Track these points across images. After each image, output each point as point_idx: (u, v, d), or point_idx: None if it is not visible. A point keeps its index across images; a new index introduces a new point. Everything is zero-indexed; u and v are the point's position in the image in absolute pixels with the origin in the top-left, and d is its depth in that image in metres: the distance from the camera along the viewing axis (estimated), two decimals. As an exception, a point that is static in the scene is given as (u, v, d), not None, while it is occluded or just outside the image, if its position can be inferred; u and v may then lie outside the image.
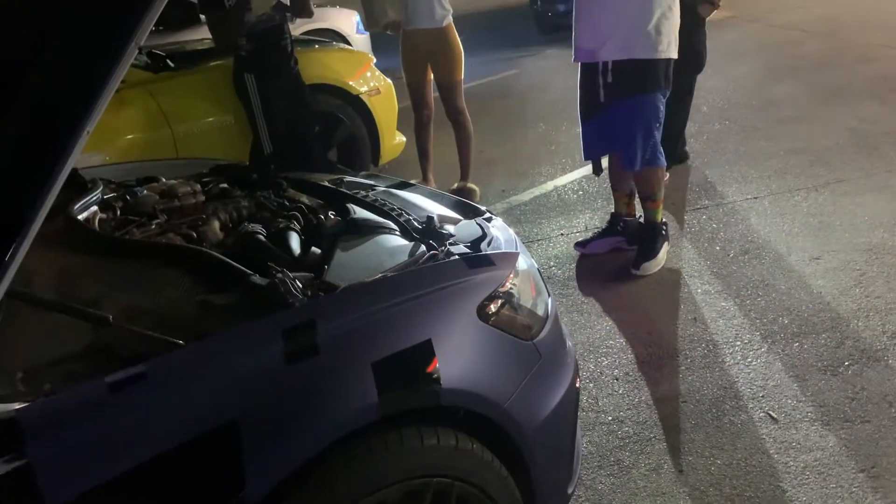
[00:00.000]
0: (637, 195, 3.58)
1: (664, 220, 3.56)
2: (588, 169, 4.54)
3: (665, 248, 3.50)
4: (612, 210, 3.76)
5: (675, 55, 3.25)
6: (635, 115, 3.26)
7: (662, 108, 3.29)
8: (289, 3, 3.93)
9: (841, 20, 7.96)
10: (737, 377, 2.66)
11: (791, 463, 2.25)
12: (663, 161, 3.39)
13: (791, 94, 5.76)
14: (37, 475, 1.13)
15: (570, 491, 1.83)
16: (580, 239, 3.79)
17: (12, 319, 1.37)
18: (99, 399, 1.19)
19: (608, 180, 3.79)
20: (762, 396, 2.55)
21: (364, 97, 4.50)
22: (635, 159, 3.33)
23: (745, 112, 5.51)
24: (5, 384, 1.24)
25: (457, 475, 1.48)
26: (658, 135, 3.32)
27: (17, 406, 1.15)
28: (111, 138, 3.66)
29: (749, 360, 2.76)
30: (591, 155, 3.68)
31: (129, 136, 3.79)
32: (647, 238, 3.48)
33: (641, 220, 3.60)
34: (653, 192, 3.45)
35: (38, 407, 1.17)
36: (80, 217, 1.89)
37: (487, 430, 1.56)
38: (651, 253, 3.43)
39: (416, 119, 4.53)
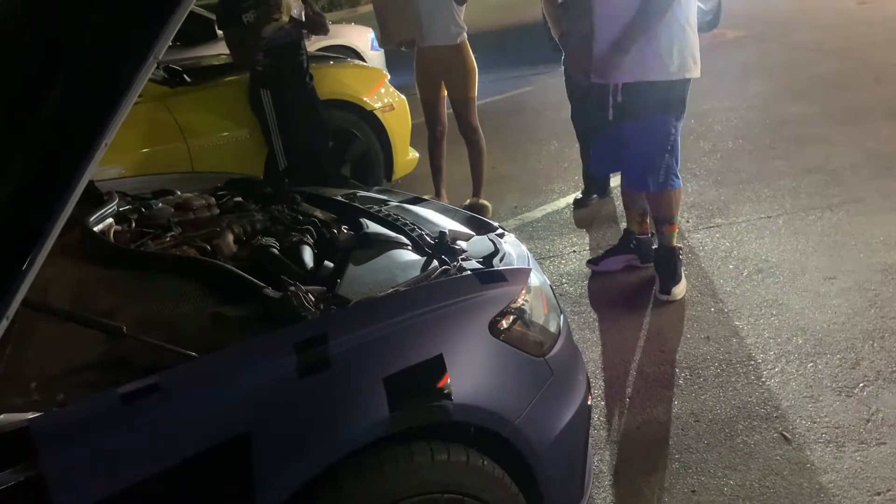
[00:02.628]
0: (652, 217, 3.53)
1: (679, 245, 3.52)
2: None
3: (682, 271, 3.46)
4: (625, 227, 3.74)
5: (692, 75, 3.19)
6: (644, 136, 3.23)
7: (675, 131, 3.24)
8: (304, 20, 3.96)
9: (856, 40, 7.94)
10: (750, 397, 2.64)
11: (805, 485, 2.22)
12: (679, 183, 3.35)
13: (806, 114, 5.75)
14: (49, 485, 1.14)
15: (580, 509, 1.82)
16: (592, 256, 3.78)
17: (28, 329, 1.38)
18: (112, 409, 1.20)
19: (620, 198, 3.78)
20: (776, 417, 2.53)
21: (378, 113, 4.53)
22: (646, 182, 3.29)
23: (758, 131, 5.50)
24: (19, 394, 1.25)
25: (467, 491, 1.48)
26: (671, 158, 3.27)
27: (30, 416, 1.16)
28: (128, 151, 3.70)
29: (763, 379, 2.73)
30: (600, 171, 3.66)
31: (146, 150, 3.83)
32: (668, 262, 3.41)
33: (654, 238, 3.58)
34: (669, 215, 3.40)
35: (51, 417, 1.18)
36: (95, 229, 1.91)
37: (498, 447, 1.56)
38: (675, 277, 3.38)
39: (429, 135, 4.55)
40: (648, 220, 3.62)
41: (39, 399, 1.24)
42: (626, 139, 3.27)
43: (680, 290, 3.37)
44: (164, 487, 1.22)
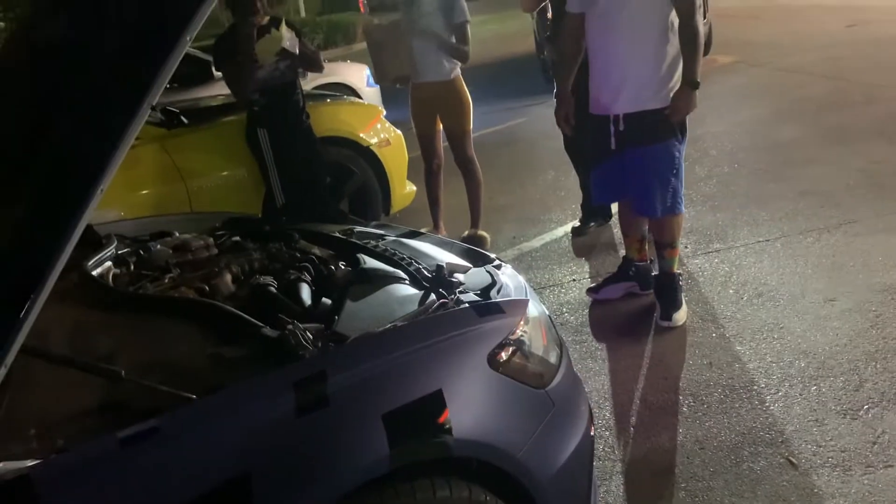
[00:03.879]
0: (654, 242, 3.54)
1: (679, 271, 3.52)
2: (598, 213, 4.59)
3: (683, 297, 3.46)
4: (624, 255, 3.75)
5: None
6: (650, 163, 3.24)
7: (679, 154, 3.26)
8: (298, 55, 4.00)
9: (846, 62, 8.02)
10: (755, 422, 2.62)
11: (813, 510, 2.20)
12: (682, 208, 3.37)
13: (799, 137, 5.79)
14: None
15: (587, 542, 1.80)
16: (592, 284, 3.78)
17: (26, 375, 1.38)
18: (112, 454, 1.20)
19: (619, 225, 3.79)
20: (781, 442, 2.51)
21: (375, 148, 4.57)
22: (654, 208, 3.29)
23: (753, 155, 5.53)
24: (19, 441, 1.25)
25: (471, 527, 1.46)
26: (676, 182, 3.28)
27: (30, 463, 1.16)
28: (126, 194, 3.72)
29: (767, 404, 2.72)
30: (602, 199, 3.66)
31: (144, 192, 3.85)
32: (669, 288, 3.42)
33: (654, 264, 3.58)
34: (673, 239, 3.41)
35: (50, 464, 1.17)
36: (94, 273, 1.92)
37: (501, 481, 1.54)
38: (675, 303, 3.38)
39: (426, 168, 4.58)
40: (647, 247, 3.63)
41: (39, 446, 1.24)
42: (632, 166, 3.28)
43: (681, 315, 3.37)
44: (164, 532, 1.21)
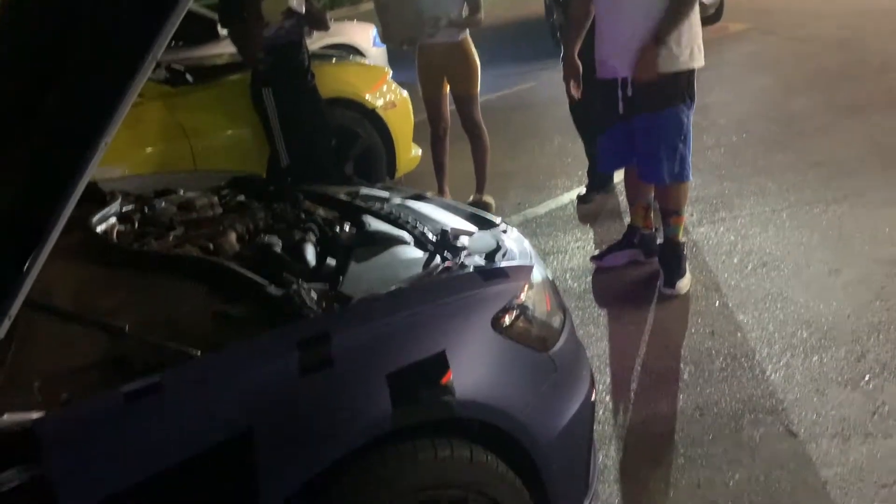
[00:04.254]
0: (660, 209, 3.53)
1: (684, 239, 3.52)
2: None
3: (687, 265, 3.45)
4: (629, 222, 3.73)
5: (697, 64, 3.19)
6: (658, 129, 3.21)
7: (687, 120, 3.23)
8: (304, 14, 3.95)
9: (861, 32, 7.89)
10: (755, 391, 2.64)
11: (811, 478, 2.22)
12: (690, 176, 3.35)
13: (810, 106, 5.72)
14: (54, 484, 1.14)
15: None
16: (596, 252, 3.77)
17: (31, 330, 1.38)
18: (115, 409, 1.20)
19: (624, 192, 3.77)
20: (781, 410, 2.52)
21: (380, 111, 4.52)
22: (662, 174, 3.27)
23: (763, 124, 5.47)
24: (23, 394, 1.26)
25: (471, 487, 1.48)
26: (684, 148, 3.25)
27: (34, 415, 1.16)
28: (130, 151, 3.70)
29: (768, 373, 2.73)
30: (607, 168, 3.63)
31: (148, 150, 3.83)
32: (673, 255, 3.41)
33: (659, 232, 3.57)
34: (678, 207, 3.40)
35: (55, 417, 1.18)
36: (98, 229, 1.92)
37: (502, 443, 1.56)
38: (679, 270, 3.37)
39: (432, 132, 4.55)
40: (652, 215, 3.61)
41: (43, 399, 1.24)
42: (640, 132, 3.25)
43: (684, 283, 3.36)
44: (167, 486, 1.22)
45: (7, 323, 1.14)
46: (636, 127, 3.25)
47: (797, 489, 2.18)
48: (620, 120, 3.28)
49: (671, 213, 3.41)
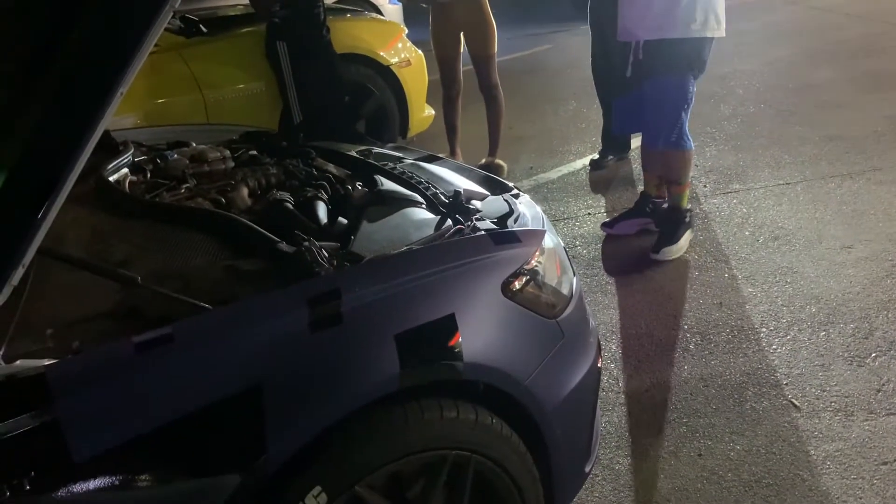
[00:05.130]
0: (665, 180, 3.52)
1: (689, 207, 3.50)
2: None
3: (687, 235, 3.44)
4: (642, 190, 3.71)
5: (715, 34, 3.15)
6: (660, 94, 3.21)
7: (691, 89, 3.22)
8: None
9: (885, 4, 7.74)
10: (761, 364, 2.64)
11: (812, 452, 2.23)
12: (690, 145, 3.33)
13: (830, 79, 5.63)
14: (64, 430, 1.15)
15: (587, 469, 1.84)
16: (607, 219, 3.76)
17: (43, 277, 1.39)
18: (126, 358, 1.21)
19: (637, 160, 3.75)
20: (786, 384, 2.53)
21: (395, 68, 4.47)
22: (657, 140, 3.30)
23: (781, 96, 5.40)
24: (35, 341, 1.27)
25: (475, 449, 1.49)
26: (684, 117, 3.25)
27: (46, 362, 1.17)
28: (143, 101, 3.68)
29: (774, 347, 2.73)
30: (619, 129, 3.62)
31: (161, 100, 3.81)
32: (669, 223, 3.44)
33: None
34: (678, 175, 3.40)
35: (67, 364, 1.19)
36: (111, 179, 1.91)
37: (507, 406, 1.57)
38: (672, 238, 3.39)
39: (444, 94, 4.50)
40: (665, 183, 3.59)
41: (55, 346, 1.25)
42: (644, 97, 3.25)
43: (672, 251, 3.37)
44: (176, 436, 1.23)
45: (21, 271, 1.14)
46: (644, 91, 3.24)
47: (797, 462, 2.20)
48: (630, 83, 3.27)
49: (671, 182, 3.44)
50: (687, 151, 3.34)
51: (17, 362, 1.17)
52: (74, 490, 1.16)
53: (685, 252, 3.41)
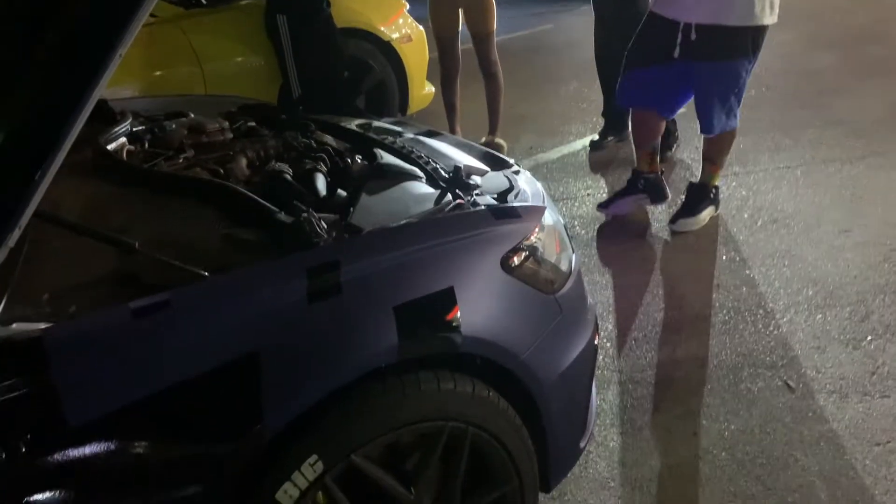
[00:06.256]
0: (703, 152, 3.52)
1: (718, 185, 3.51)
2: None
3: (709, 211, 3.48)
4: (633, 167, 3.69)
5: (770, 21, 3.11)
6: (715, 80, 3.18)
7: (745, 75, 3.20)
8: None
9: (891, -11, 7.68)
10: (756, 345, 2.65)
11: (806, 432, 2.24)
12: (736, 124, 3.33)
13: (833, 65, 5.61)
14: (60, 395, 1.15)
15: (582, 445, 1.84)
16: (607, 199, 3.75)
17: (40, 242, 1.38)
18: (123, 324, 1.21)
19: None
20: (781, 366, 2.54)
21: (395, 44, 4.44)
22: (712, 125, 3.28)
23: (783, 80, 5.37)
24: (32, 305, 1.26)
25: (471, 421, 1.49)
26: (735, 100, 3.24)
27: (42, 326, 1.17)
28: (141, 72, 3.65)
29: (770, 328, 2.73)
30: (628, 102, 3.54)
31: (159, 72, 3.78)
32: (694, 197, 3.47)
33: (663, 176, 3.58)
34: (716, 155, 3.44)
35: (63, 328, 1.19)
36: (108, 147, 1.90)
37: (504, 381, 1.57)
38: (693, 211, 3.43)
39: (442, 72, 4.46)
40: (657, 159, 3.57)
41: (51, 311, 1.25)
42: (696, 80, 3.21)
43: (689, 224, 3.41)
44: (171, 403, 1.23)
45: (17, 233, 1.13)
46: (694, 74, 3.19)
47: (792, 442, 2.21)
48: (670, 62, 3.20)
49: (710, 160, 3.45)
50: (728, 134, 3.34)
51: (14, 325, 1.17)
52: (70, 453, 1.16)
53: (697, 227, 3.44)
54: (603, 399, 2.44)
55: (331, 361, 1.33)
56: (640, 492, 2.08)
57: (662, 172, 3.60)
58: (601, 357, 2.62)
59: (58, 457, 1.15)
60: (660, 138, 3.55)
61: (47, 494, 1.15)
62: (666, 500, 2.06)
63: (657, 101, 3.39)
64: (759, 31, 3.13)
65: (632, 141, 3.63)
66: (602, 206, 3.67)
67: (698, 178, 3.58)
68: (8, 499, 1.13)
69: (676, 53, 3.17)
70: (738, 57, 3.13)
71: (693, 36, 3.12)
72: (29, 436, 1.13)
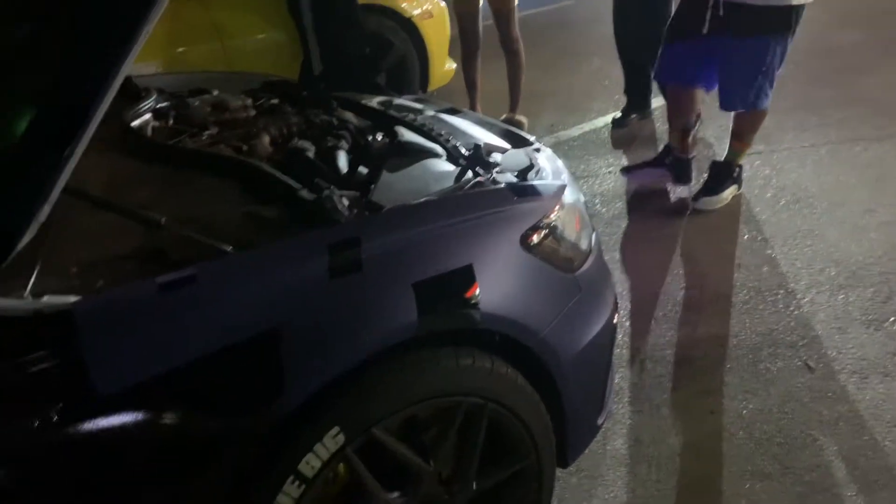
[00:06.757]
0: (731, 127, 3.50)
1: (741, 164, 3.49)
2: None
3: (731, 190, 3.46)
4: (666, 142, 3.68)
5: (799, 0, 3.07)
6: (738, 57, 3.15)
7: (773, 55, 3.14)
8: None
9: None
10: (777, 325, 2.64)
11: (825, 412, 2.24)
12: (766, 103, 3.29)
13: (860, 42, 5.50)
14: (88, 367, 1.18)
15: (599, 422, 1.86)
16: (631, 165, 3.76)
17: (68, 217, 1.40)
18: (150, 298, 1.23)
19: (659, 120, 3.71)
20: (802, 346, 2.53)
21: (416, 20, 4.42)
22: (731, 102, 3.27)
23: (809, 58, 5.26)
24: (61, 278, 1.29)
25: (489, 396, 1.51)
26: (763, 79, 3.19)
27: (72, 299, 1.19)
28: (163, 49, 3.67)
29: (791, 308, 2.72)
30: (664, 77, 3.52)
31: (181, 49, 3.79)
32: (717, 175, 3.46)
33: (694, 161, 3.55)
34: (744, 133, 3.41)
35: (92, 301, 1.21)
36: (133, 124, 1.92)
37: (523, 357, 1.58)
38: (715, 189, 3.42)
39: (463, 50, 4.44)
40: (690, 141, 3.54)
41: (79, 284, 1.27)
42: (722, 56, 3.18)
43: (712, 202, 3.40)
44: (196, 376, 1.25)
45: (48, 208, 1.16)
46: (720, 49, 3.16)
47: (810, 422, 2.21)
48: (700, 38, 3.18)
49: (736, 137, 3.42)
50: (758, 112, 3.31)
51: (44, 298, 1.19)
52: (99, 423, 1.19)
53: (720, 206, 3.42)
54: (621, 377, 2.45)
55: (352, 336, 1.35)
56: (656, 469, 2.10)
57: (693, 157, 3.57)
58: (620, 335, 2.62)
59: (88, 426, 1.18)
60: (694, 119, 3.52)
61: (78, 462, 1.19)
62: (682, 477, 2.07)
63: (691, 77, 3.36)
64: (788, 11, 3.08)
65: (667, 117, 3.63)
66: (625, 171, 3.69)
67: (722, 156, 3.55)
68: (41, 466, 1.17)
69: (706, 29, 3.15)
70: (764, 35, 3.09)
71: (721, 12, 3.10)
72: (60, 405, 1.16)
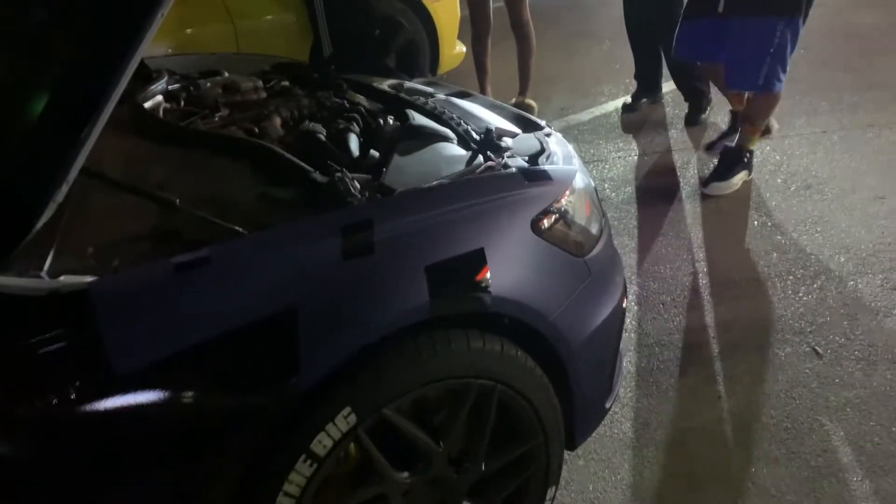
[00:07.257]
0: (744, 115, 3.50)
1: (752, 150, 3.47)
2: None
3: (741, 175, 3.45)
4: (730, 109, 3.71)
5: None
6: (745, 36, 3.13)
7: (781, 36, 3.11)
8: None
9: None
10: (785, 311, 2.64)
11: (832, 398, 2.25)
12: (779, 87, 3.26)
13: (877, 25, 5.45)
14: (105, 345, 1.19)
15: (607, 405, 1.87)
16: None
17: (84, 198, 1.42)
18: (166, 278, 1.24)
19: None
20: (810, 332, 2.53)
21: (426, 2, 4.39)
22: (736, 81, 3.26)
23: (823, 41, 5.23)
24: (77, 259, 1.30)
25: (499, 378, 1.53)
26: (772, 61, 3.15)
27: (89, 279, 1.21)
28: (173, 31, 3.66)
29: (800, 294, 2.72)
30: (683, 55, 3.51)
31: (191, 30, 3.79)
32: (728, 160, 3.45)
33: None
34: (755, 117, 3.40)
35: (109, 281, 1.23)
36: (145, 105, 1.93)
37: (533, 340, 1.59)
38: (725, 175, 3.42)
39: (473, 32, 4.42)
40: (746, 96, 3.52)
41: (96, 264, 1.29)
42: (732, 34, 3.17)
43: (721, 188, 3.40)
44: (210, 356, 1.27)
45: (65, 188, 1.17)
46: (732, 28, 3.15)
47: (817, 407, 2.22)
48: (716, 17, 3.18)
49: (746, 121, 3.42)
50: (771, 95, 3.28)
51: (62, 278, 1.21)
52: (115, 401, 1.21)
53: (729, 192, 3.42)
54: (629, 362, 2.46)
55: (364, 318, 1.36)
56: (664, 453, 2.12)
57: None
58: (629, 320, 2.63)
59: (105, 404, 1.20)
60: None
61: (96, 440, 1.21)
62: (689, 462, 2.09)
63: (709, 53, 3.35)
64: None
65: (716, 89, 3.64)
66: (708, 148, 3.67)
67: (733, 142, 3.54)
68: (59, 443, 1.19)
69: (721, 7, 3.16)
70: (771, 14, 3.08)
71: None
72: (78, 383, 1.17)
